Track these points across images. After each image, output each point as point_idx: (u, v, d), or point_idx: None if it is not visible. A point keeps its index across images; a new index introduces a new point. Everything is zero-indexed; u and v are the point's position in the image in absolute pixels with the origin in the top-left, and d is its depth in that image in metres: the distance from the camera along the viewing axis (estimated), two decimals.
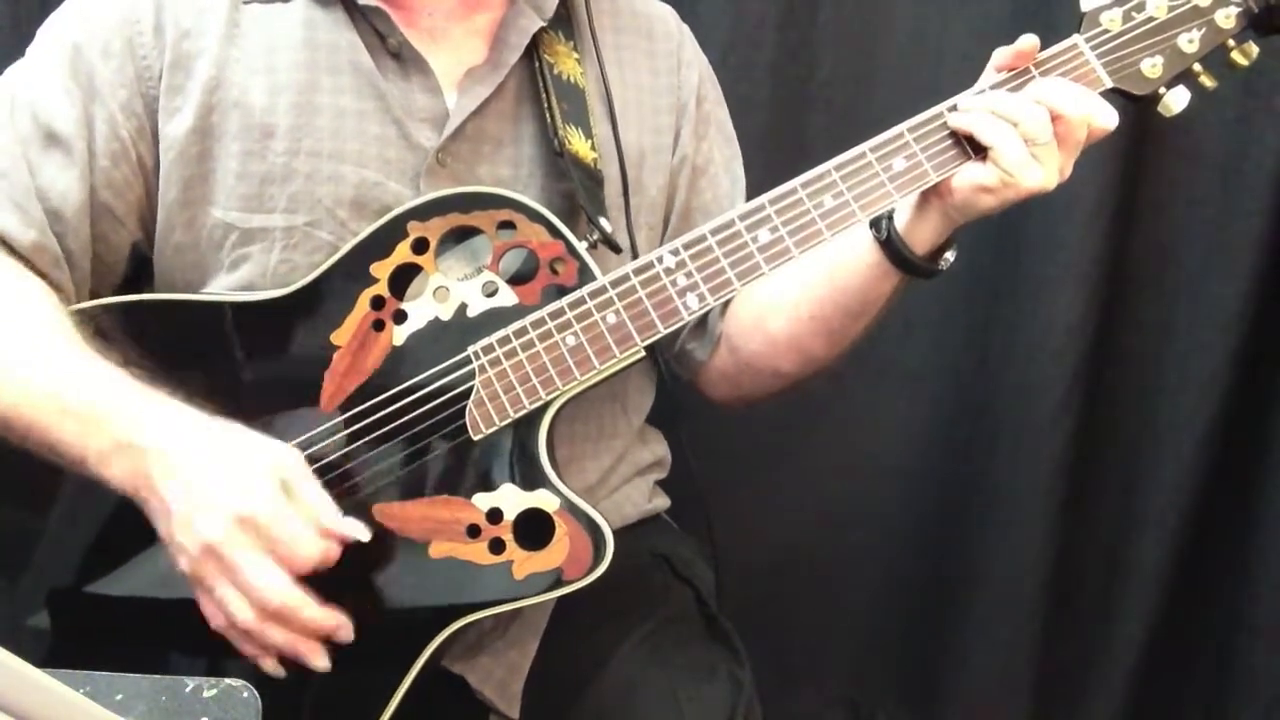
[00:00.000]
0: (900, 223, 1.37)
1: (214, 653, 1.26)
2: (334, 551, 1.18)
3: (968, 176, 1.30)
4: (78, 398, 1.21)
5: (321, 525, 1.18)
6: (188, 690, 0.92)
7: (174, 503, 1.16)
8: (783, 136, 2.05)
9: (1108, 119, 1.29)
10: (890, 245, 1.37)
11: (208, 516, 1.15)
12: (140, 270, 1.45)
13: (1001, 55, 1.34)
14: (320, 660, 1.21)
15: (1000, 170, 1.28)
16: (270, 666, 1.21)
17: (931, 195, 1.34)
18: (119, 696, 0.92)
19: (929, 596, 2.27)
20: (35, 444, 1.22)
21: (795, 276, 1.43)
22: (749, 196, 1.33)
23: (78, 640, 1.33)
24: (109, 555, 1.32)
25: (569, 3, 1.49)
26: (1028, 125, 1.27)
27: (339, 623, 1.21)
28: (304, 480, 1.20)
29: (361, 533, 1.21)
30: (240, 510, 1.15)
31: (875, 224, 1.38)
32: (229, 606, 1.17)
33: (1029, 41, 1.32)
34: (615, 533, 1.30)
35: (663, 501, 1.66)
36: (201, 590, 1.19)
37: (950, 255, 1.40)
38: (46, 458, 1.22)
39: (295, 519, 1.16)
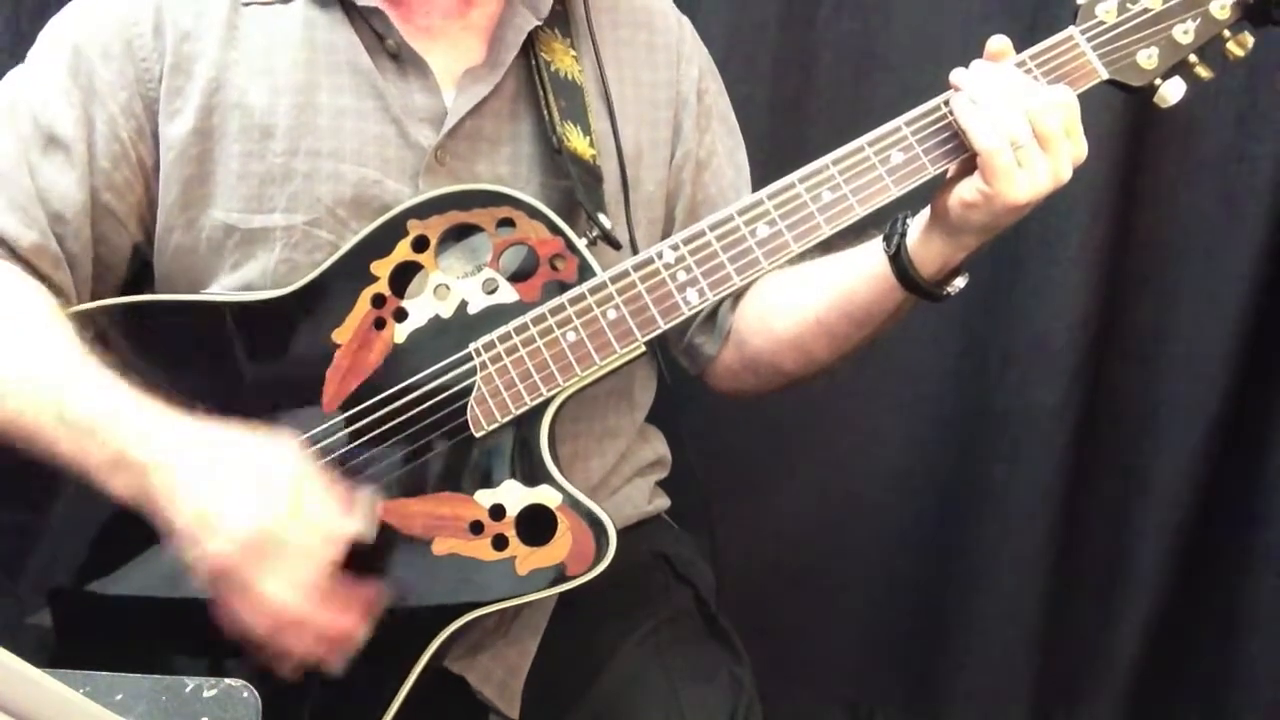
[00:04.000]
0: (910, 241, 1.36)
1: (214, 653, 1.26)
2: (342, 553, 1.19)
3: (955, 194, 1.30)
4: (78, 408, 1.21)
5: (329, 528, 1.18)
6: (188, 690, 0.92)
7: (179, 523, 1.17)
8: (783, 136, 2.05)
9: (1065, 96, 1.29)
10: (898, 262, 1.36)
11: (216, 539, 1.15)
12: (141, 272, 1.45)
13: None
14: (337, 664, 1.22)
15: (981, 183, 1.27)
16: (287, 672, 1.21)
17: (932, 216, 1.34)
18: (119, 696, 0.92)
19: (929, 596, 2.27)
20: (38, 451, 1.22)
21: (807, 280, 1.43)
22: None
23: (78, 640, 1.32)
24: (109, 555, 1.31)
25: (566, 0, 1.49)
26: (1008, 127, 1.26)
27: (353, 626, 1.21)
28: (308, 480, 1.20)
29: (368, 530, 1.22)
30: (248, 528, 1.15)
31: (888, 239, 1.38)
32: (245, 619, 1.18)
33: (998, 44, 1.33)
34: (616, 532, 1.30)
35: (663, 502, 1.66)
36: (216, 602, 1.19)
37: (960, 282, 1.38)
38: (51, 463, 1.21)
39: (302, 529, 1.17)
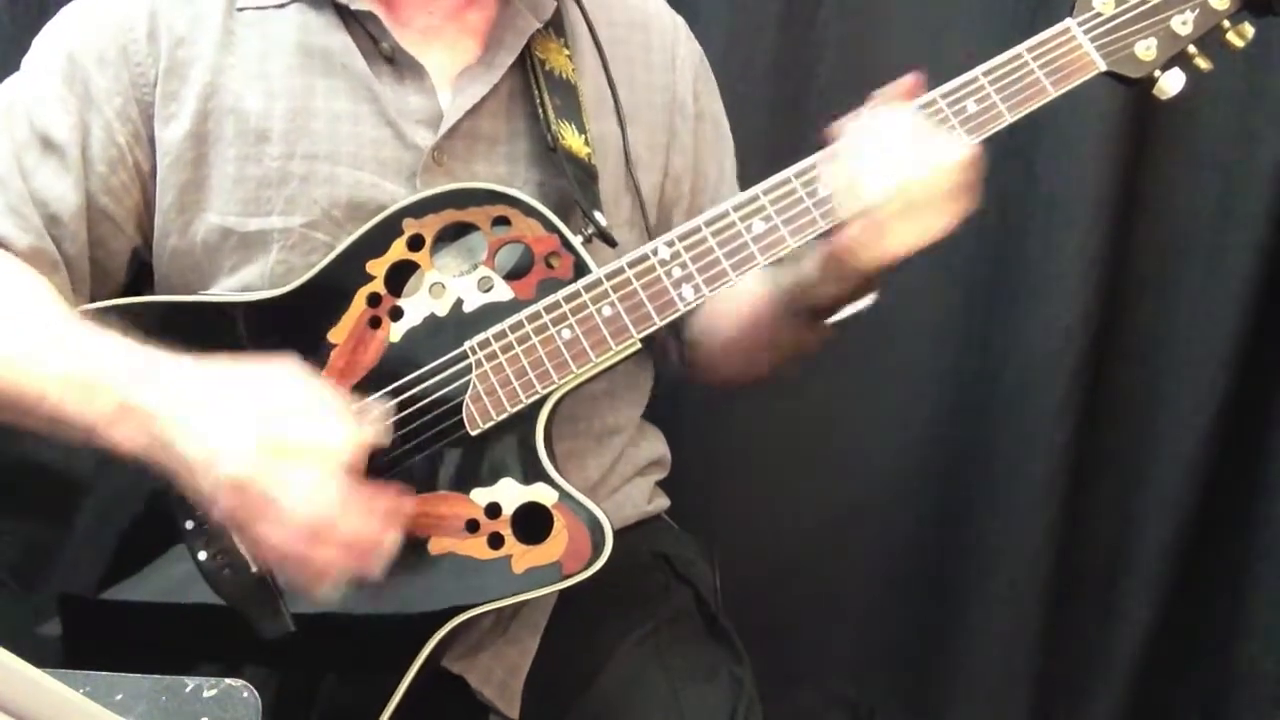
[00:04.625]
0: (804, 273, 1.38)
1: (213, 653, 1.26)
2: (359, 457, 1.18)
3: (831, 242, 1.30)
4: (81, 366, 1.21)
5: (340, 434, 1.17)
6: (188, 690, 0.93)
7: (191, 453, 1.16)
8: (782, 136, 2.06)
9: (954, 153, 1.27)
10: (794, 288, 1.39)
11: (230, 456, 1.14)
12: (140, 276, 1.46)
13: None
14: (375, 573, 1.20)
15: (851, 241, 1.27)
16: (328, 591, 1.20)
17: (816, 256, 1.34)
18: (119, 696, 0.92)
19: (929, 596, 2.27)
20: (42, 417, 1.21)
21: (733, 294, 1.41)
22: None
23: (78, 641, 1.32)
24: (109, 557, 1.32)
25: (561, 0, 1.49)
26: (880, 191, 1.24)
27: (382, 531, 1.20)
28: (312, 389, 1.20)
29: (381, 434, 1.23)
30: (262, 436, 1.14)
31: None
32: (273, 539, 1.16)
33: (908, 81, 1.31)
34: (615, 533, 1.30)
35: (663, 502, 1.66)
36: (240, 534, 1.20)
37: (854, 307, 1.38)
38: (52, 432, 1.21)
39: (313, 433, 1.16)
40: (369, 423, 1.22)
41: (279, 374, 1.21)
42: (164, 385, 1.19)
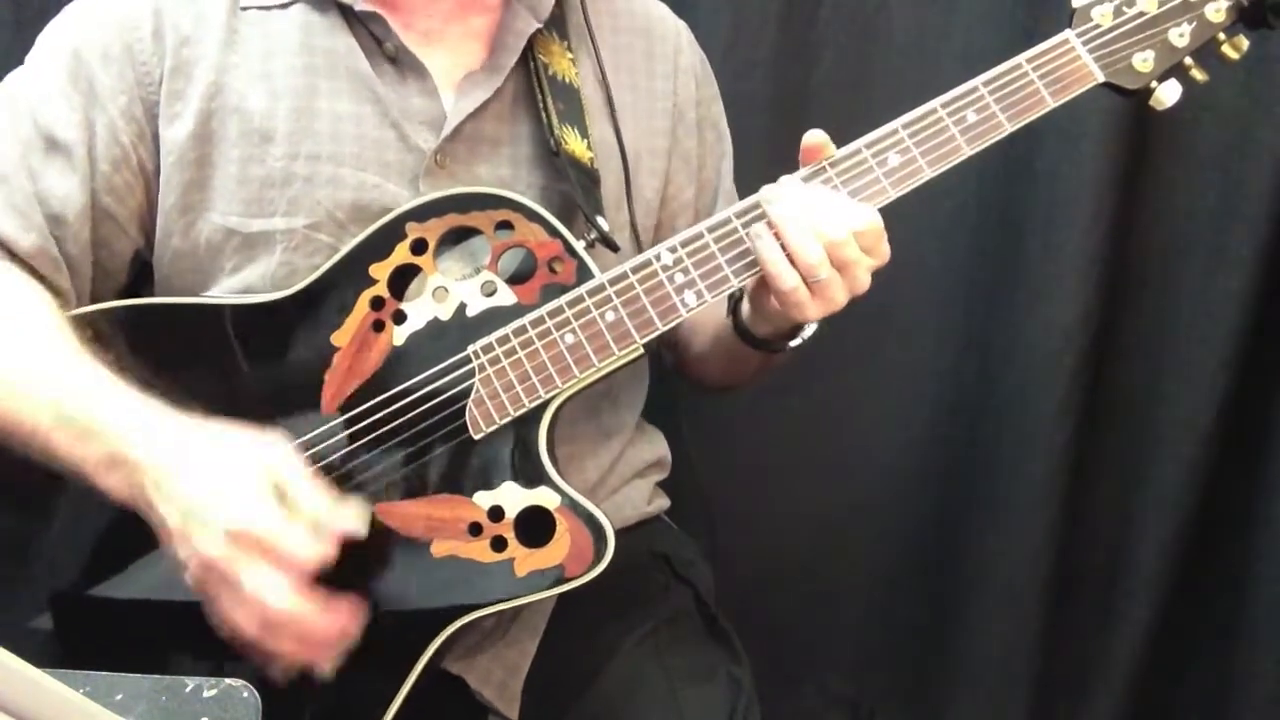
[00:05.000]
0: (744, 309, 1.41)
1: (214, 653, 1.26)
2: (332, 551, 1.17)
3: (759, 295, 1.34)
4: (75, 407, 1.21)
5: (318, 525, 1.17)
6: (188, 690, 0.93)
7: (170, 520, 1.16)
8: (783, 136, 2.05)
9: (867, 220, 1.28)
10: (739, 325, 1.43)
11: (203, 533, 1.15)
12: (142, 277, 1.46)
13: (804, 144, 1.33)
14: (326, 667, 1.21)
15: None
16: (278, 674, 1.21)
17: (751, 299, 1.38)
18: (119, 696, 0.92)
19: (929, 596, 2.27)
20: (36, 452, 1.22)
21: (700, 312, 1.41)
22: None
23: (78, 641, 1.33)
24: (108, 557, 1.32)
25: (563, 2, 1.49)
26: (806, 264, 1.26)
27: (341, 628, 1.20)
28: (296, 479, 1.19)
29: (358, 525, 1.20)
30: (235, 525, 1.14)
31: (730, 305, 1.44)
32: (232, 618, 1.17)
33: (815, 138, 1.31)
34: (615, 533, 1.30)
35: (663, 502, 1.66)
36: (206, 601, 1.19)
37: (802, 337, 1.41)
38: (48, 465, 1.22)
39: (291, 526, 1.15)
40: (342, 518, 1.20)
41: (267, 455, 1.20)
42: (154, 442, 1.19)
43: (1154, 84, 1.36)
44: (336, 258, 1.34)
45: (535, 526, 1.29)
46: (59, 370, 1.25)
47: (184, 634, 1.30)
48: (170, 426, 1.20)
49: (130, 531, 1.22)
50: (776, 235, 1.26)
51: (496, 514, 1.30)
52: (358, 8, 1.37)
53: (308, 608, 1.16)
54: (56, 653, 1.32)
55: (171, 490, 1.17)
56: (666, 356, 1.64)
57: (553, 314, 1.30)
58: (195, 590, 1.18)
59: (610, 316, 1.30)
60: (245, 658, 1.20)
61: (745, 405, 2.03)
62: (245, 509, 1.15)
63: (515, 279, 1.32)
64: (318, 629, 1.18)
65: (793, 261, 1.25)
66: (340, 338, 1.32)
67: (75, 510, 1.32)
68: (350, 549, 1.20)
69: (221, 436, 1.21)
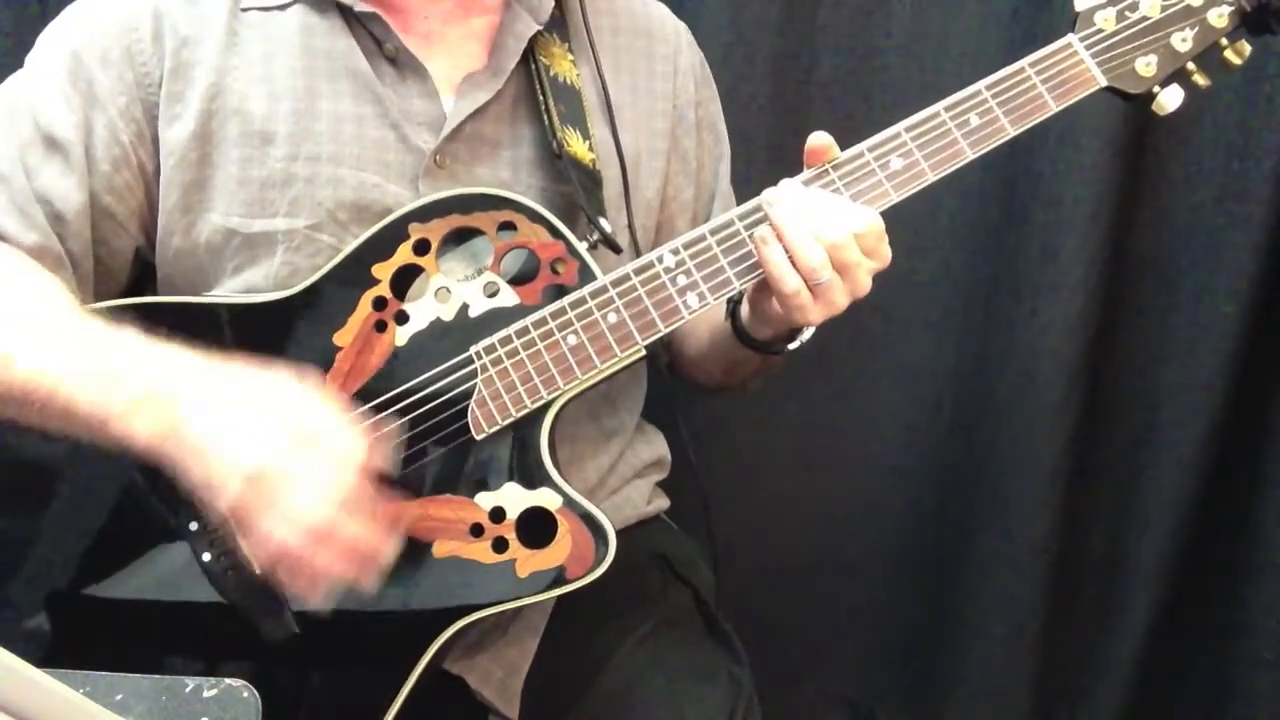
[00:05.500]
0: (743, 313, 1.42)
1: (214, 653, 1.26)
2: (362, 476, 1.18)
3: (760, 298, 1.35)
4: (98, 358, 1.20)
5: (345, 450, 1.17)
6: (188, 690, 0.93)
7: (212, 439, 1.15)
8: (783, 137, 2.05)
9: (868, 222, 1.28)
10: (738, 328, 1.43)
11: (251, 444, 1.14)
12: (143, 276, 1.46)
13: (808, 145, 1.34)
14: (370, 582, 1.20)
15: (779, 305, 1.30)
16: (320, 595, 1.20)
17: (751, 303, 1.38)
18: (119, 696, 0.92)
19: (929, 596, 2.28)
20: (55, 412, 1.20)
21: (697, 315, 1.41)
22: (750, 196, 1.33)
23: (78, 641, 1.32)
24: (112, 558, 1.32)
25: (563, 4, 1.49)
26: (808, 266, 1.26)
27: (381, 540, 1.20)
28: (324, 397, 1.22)
29: (387, 459, 1.23)
30: (287, 426, 1.15)
31: (729, 308, 1.44)
32: (276, 533, 1.15)
33: (820, 140, 1.32)
34: (615, 534, 1.30)
35: (663, 502, 1.66)
36: (242, 530, 1.19)
37: (800, 340, 1.41)
38: (58, 428, 1.21)
39: (335, 425, 1.17)
40: (381, 439, 1.22)
41: (296, 385, 1.21)
42: (189, 374, 1.19)
43: (1156, 89, 1.36)
44: (339, 258, 1.34)
45: (537, 527, 1.30)
46: (72, 327, 1.25)
47: (184, 634, 1.30)
48: (200, 360, 1.21)
49: (131, 532, 1.22)
50: (779, 238, 1.27)
51: (498, 515, 1.30)
52: (357, 9, 1.37)
53: (353, 518, 1.16)
54: (56, 653, 1.32)
55: (211, 410, 1.16)
56: (662, 357, 1.65)
57: (555, 315, 1.30)
58: (230, 513, 1.17)
59: (612, 318, 1.30)
60: (236, 652, 1.20)
61: (745, 405, 2.03)
62: (296, 413, 1.17)
63: (518, 280, 1.32)
64: (363, 540, 1.18)
65: (794, 264, 1.25)
66: (342, 338, 1.32)
67: (76, 511, 1.32)
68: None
69: (251, 369, 1.21)
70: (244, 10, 1.39)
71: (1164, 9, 1.34)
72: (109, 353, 1.21)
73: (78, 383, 1.18)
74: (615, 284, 1.31)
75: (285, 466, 1.14)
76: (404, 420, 1.31)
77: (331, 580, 1.18)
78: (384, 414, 1.31)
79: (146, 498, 1.32)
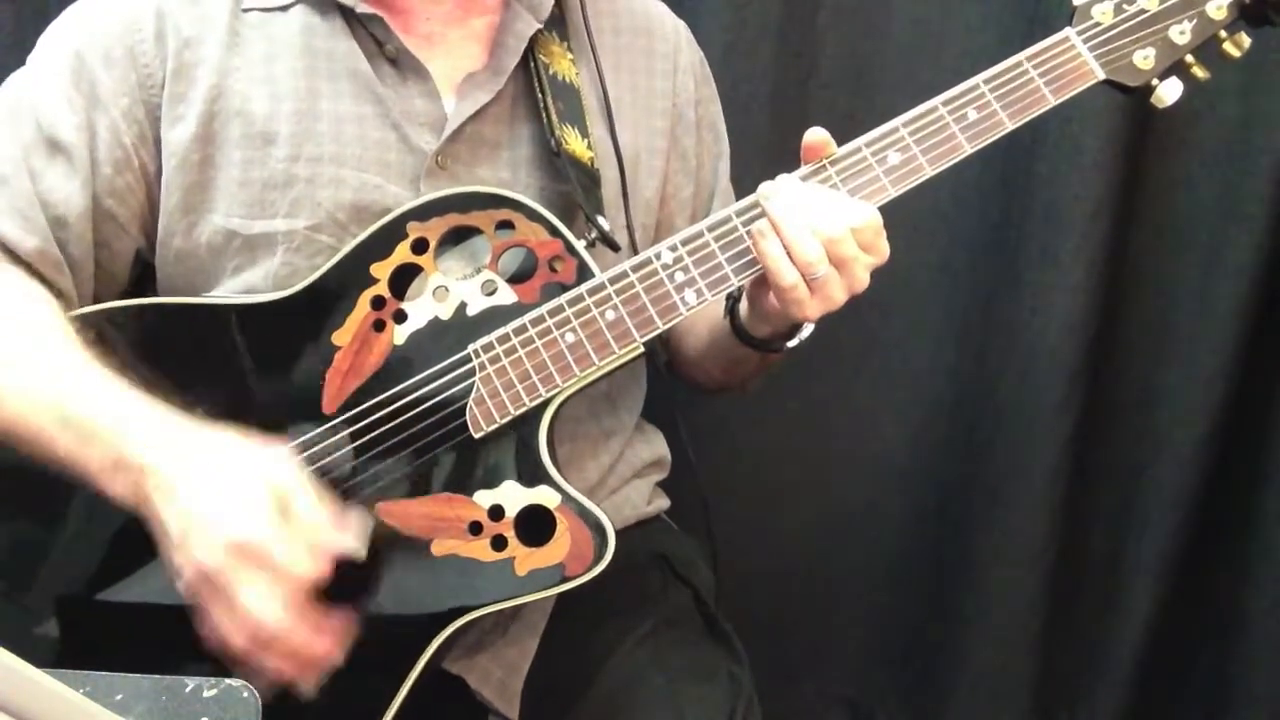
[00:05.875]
0: (742, 310, 1.42)
1: (214, 654, 1.26)
2: (328, 570, 1.17)
3: (759, 294, 1.35)
4: (79, 411, 1.21)
5: (317, 543, 1.16)
6: (188, 690, 0.92)
7: (171, 525, 1.16)
8: (783, 136, 2.05)
9: (865, 217, 1.28)
10: (736, 326, 1.43)
11: (203, 542, 1.14)
12: (144, 277, 1.46)
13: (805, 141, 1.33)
14: (309, 687, 1.20)
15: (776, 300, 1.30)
16: (263, 687, 1.20)
17: (750, 300, 1.38)
18: (119, 696, 0.92)
19: (929, 596, 2.27)
20: (40, 455, 1.22)
21: (696, 314, 1.41)
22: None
23: (78, 641, 1.32)
24: (110, 558, 1.32)
25: (563, 3, 1.49)
26: (805, 260, 1.26)
27: (329, 650, 1.20)
28: (299, 493, 1.18)
29: (357, 547, 1.20)
30: (234, 537, 1.13)
31: (728, 305, 1.44)
32: (224, 629, 1.16)
33: (817, 136, 1.31)
34: (615, 533, 1.30)
35: (663, 502, 1.66)
36: (199, 610, 1.19)
37: (799, 337, 1.41)
38: (51, 467, 1.22)
39: (289, 542, 1.15)
40: (349, 529, 1.20)
41: (271, 467, 1.19)
42: (159, 447, 1.19)
43: (1155, 81, 1.36)
44: (338, 257, 1.34)
45: (536, 525, 1.29)
46: (61, 373, 1.25)
47: (185, 635, 1.30)
48: (175, 431, 1.20)
49: (132, 533, 1.22)
50: (775, 231, 1.26)
51: (497, 513, 1.30)
52: (358, 10, 1.37)
53: (299, 627, 1.16)
54: (56, 653, 1.32)
55: (174, 497, 1.16)
56: (661, 356, 1.64)
57: (553, 313, 1.30)
58: (188, 599, 1.18)
59: (610, 315, 1.30)
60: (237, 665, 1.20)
61: (745, 405, 2.03)
62: (246, 521, 1.14)
63: (516, 278, 1.32)
64: (306, 649, 1.18)
65: (791, 258, 1.25)
66: (341, 337, 1.32)
67: (76, 512, 1.32)
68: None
69: (226, 445, 1.20)
70: (245, 11, 1.39)
71: (1162, 2, 1.34)
72: (88, 407, 1.22)
73: (57, 434, 1.21)
74: (613, 281, 1.31)
75: (235, 571, 1.14)
76: (402, 419, 1.31)
77: (272, 679, 1.18)
78: (383, 412, 1.31)
79: None
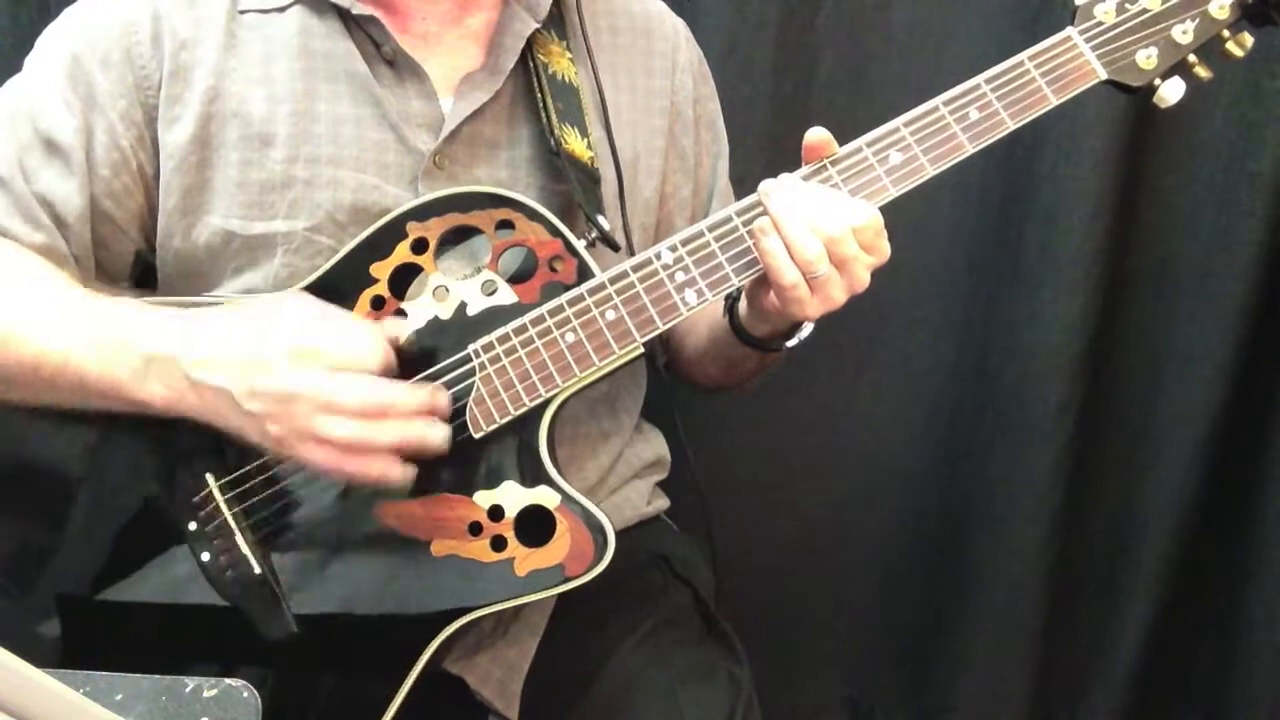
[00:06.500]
0: (741, 310, 1.42)
1: (213, 653, 1.26)
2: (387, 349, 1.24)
3: (759, 293, 1.35)
4: (101, 328, 1.25)
5: (363, 332, 1.23)
6: (188, 690, 0.93)
7: (228, 383, 1.20)
8: (783, 136, 2.05)
9: (865, 217, 1.27)
10: (735, 326, 1.43)
11: (268, 371, 1.19)
12: (145, 279, 1.46)
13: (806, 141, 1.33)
14: (439, 432, 1.26)
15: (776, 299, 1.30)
16: (399, 472, 1.24)
17: (749, 299, 1.39)
18: (119, 696, 0.92)
19: (929, 596, 2.28)
20: (68, 384, 1.25)
21: (695, 314, 1.41)
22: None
23: (79, 641, 1.32)
24: (111, 558, 1.32)
25: (561, 2, 1.49)
26: (805, 260, 1.25)
27: (432, 392, 1.26)
28: (323, 305, 1.26)
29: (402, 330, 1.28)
30: (292, 348, 1.19)
31: (727, 305, 1.44)
32: (334, 433, 1.19)
33: (818, 135, 1.31)
34: (615, 534, 1.30)
35: (662, 503, 1.66)
36: (295, 445, 1.21)
37: (799, 337, 1.41)
38: (77, 402, 1.26)
39: (338, 335, 1.22)
40: (389, 331, 1.26)
41: (293, 300, 1.26)
42: (184, 332, 1.23)
43: (1157, 81, 1.35)
44: (337, 257, 1.33)
45: (535, 526, 1.29)
46: (76, 302, 1.29)
47: (183, 634, 1.30)
48: (190, 318, 1.26)
49: (132, 533, 1.22)
50: (776, 229, 1.26)
51: (496, 513, 1.30)
52: (355, 11, 1.37)
53: (394, 385, 1.22)
54: (57, 653, 1.32)
55: (213, 362, 1.21)
56: (660, 356, 1.64)
57: (553, 313, 1.30)
58: (275, 445, 1.22)
59: (611, 315, 1.30)
60: (236, 653, 1.20)
61: (745, 405, 2.03)
62: (290, 333, 1.21)
63: (516, 278, 1.32)
64: (413, 400, 1.23)
65: (792, 256, 1.25)
66: None
67: (77, 512, 1.32)
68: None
69: (240, 304, 1.27)
70: (242, 12, 1.39)
71: (1164, 1, 1.34)
72: (108, 323, 1.26)
73: (85, 353, 1.24)
74: (613, 281, 1.30)
75: (312, 372, 1.19)
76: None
77: (404, 450, 1.24)
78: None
79: (144, 499, 1.32)
